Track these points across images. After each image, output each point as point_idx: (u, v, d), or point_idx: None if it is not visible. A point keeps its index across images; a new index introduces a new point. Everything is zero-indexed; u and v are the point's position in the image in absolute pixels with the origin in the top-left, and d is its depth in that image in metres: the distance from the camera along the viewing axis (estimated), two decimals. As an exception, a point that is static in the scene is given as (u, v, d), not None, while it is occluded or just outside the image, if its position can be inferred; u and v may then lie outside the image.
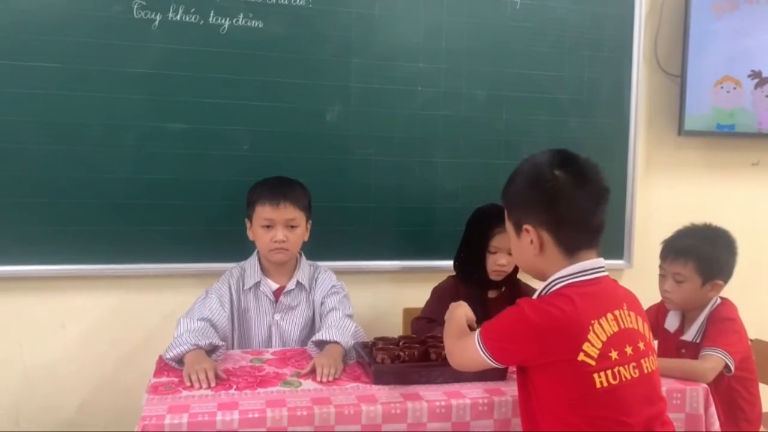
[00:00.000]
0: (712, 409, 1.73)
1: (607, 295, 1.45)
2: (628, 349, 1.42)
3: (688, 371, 1.78)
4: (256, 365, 1.87)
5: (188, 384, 1.67)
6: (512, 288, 2.31)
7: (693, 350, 1.98)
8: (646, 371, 1.44)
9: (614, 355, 1.39)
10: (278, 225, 2.07)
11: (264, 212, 2.07)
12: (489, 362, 1.49)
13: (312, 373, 1.76)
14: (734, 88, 2.87)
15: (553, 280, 1.45)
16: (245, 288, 2.14)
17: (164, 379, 1.74)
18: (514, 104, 2.71)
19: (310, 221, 2.21)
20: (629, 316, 1.45)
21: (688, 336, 2.03)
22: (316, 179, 2.35)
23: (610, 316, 1.41)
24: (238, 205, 2.27)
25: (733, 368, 1.85)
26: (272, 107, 2.46)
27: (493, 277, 2.25)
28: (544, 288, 1.48)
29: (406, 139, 2.60)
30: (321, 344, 1.94)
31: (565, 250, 1.45)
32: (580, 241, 1.46)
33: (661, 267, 2.09)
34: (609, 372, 1.38)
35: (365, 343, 1.93)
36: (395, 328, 2.56)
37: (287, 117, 2.47)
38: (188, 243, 2.42)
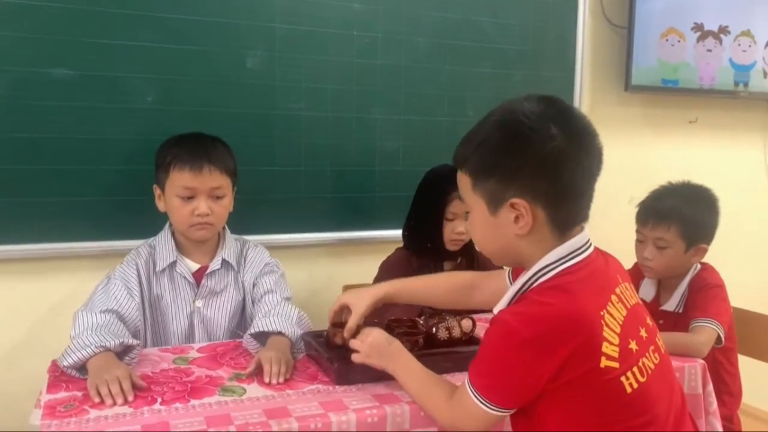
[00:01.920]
0: (710, 386, 1.56)
1: (602, 273, 1.15)
2: (642, 332, 1.15)
3: (681, 346, 1.59)
4: (182, 367, 1.50)
5: (96, 400, 1.28)
6: (469, 259, 2.05)
7: (673, 321, 1.81)
8: (663, 351, 1.20)
9: (633, 345, 1.10)
10: (200, 195, 1.69)
11: (182, 179, 1.67)
12: (498, 414, 1.12)
13: (257, 372, 1.42)
14: (678, 41, 2.74)
15: (538, 271, 1.12)
16: (157, 270, 1.74)
17: (62, 394, 1.33)
18: (458, 54, 2.43)
19: (235, 188, 1.84)
20: (628, 289, 1.19)
21: (669, 306, 1.85)
22: (236, 138, 1.92)
23: (614, 297, 1.12)
24: (143, 170, 1.87)
25: (723, 339, 1.70)
26: (181, 51, 2.03)
27: (450, 246, 1.99)
28: (526, 283, 1.13)
29: (341, 91, 2.27)
30: (260, 336, 1.59)
31: (558, 228, 1.13)
32: (576, 216, 1.15)
33: (639, 232, 1.90)
34: (636, 369, 1.09)
35: (317, 332, 1.60)
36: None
37: (200, 63, 2.06)
38: (80, 217, 1.97)
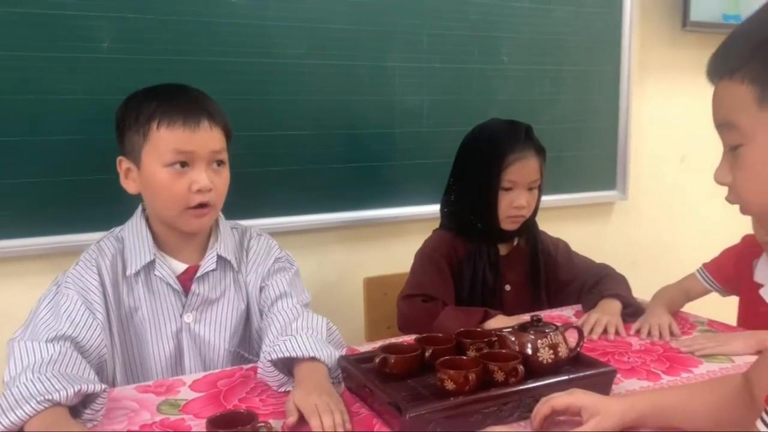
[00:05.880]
0: None
1: None
2: None
3: None
4: (171, 418, 1.03)
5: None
6: (531, 240, 1.61)
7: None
8: None
9: None
10: (199, 162, 1.20)
11: (173, 140, 1.18)
12: None
13: (299, 424, 0.98)
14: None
15: None
16: (128, 273, 1.26)
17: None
18: (490, -18, 1.97)
19: (227, 159, 1.36)
20: None
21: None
22: (219, 95, 1.34)
23: None
24: (99, 139, 1.39)
25: None
26: (144, -21, 1.54)
27: (507, 225, 1.54)
28: None
29: (350, 32, 1.80)
30: (284, 363, 1.14)
31: None
32: None
33: None
34: None
35: (361, 355, 1.15)
36: (353, 308, 1.79)
37: (169, -4, 1.57)
38: (17, 205, 1.48)
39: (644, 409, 0.93)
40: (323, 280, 1.85)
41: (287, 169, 1.76)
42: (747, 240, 1.55)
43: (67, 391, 0.97)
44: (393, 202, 1.90)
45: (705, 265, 1.61)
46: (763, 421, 0.71)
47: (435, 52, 1.92)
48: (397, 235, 1.89)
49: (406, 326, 1.48)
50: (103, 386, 1.03)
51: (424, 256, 1.57)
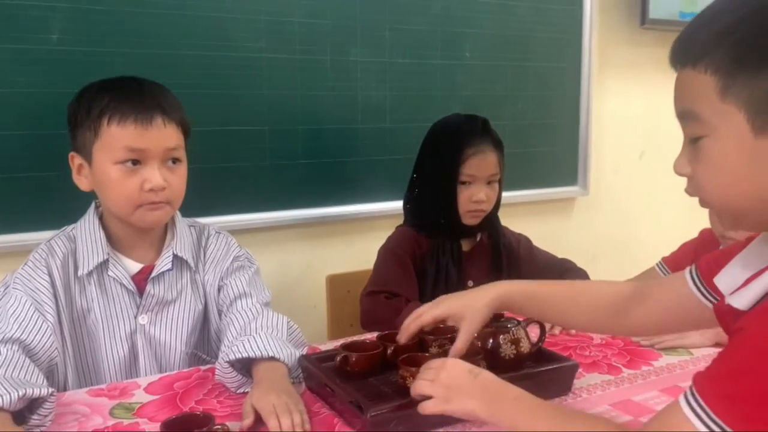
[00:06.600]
0: None
1: None
2: None
3: None
4: (125, 422, 1.00)
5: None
6: (493, 235, 1.61)
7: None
8: None
9: None
10: (151, 160, 1.16)
11: (125, 137, 1.14)
12: None
13: (256, 426, 0.95)
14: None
15: None
16: (81, 273, 1.21)
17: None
18: (453, -20, 1.96)
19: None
20: None
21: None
22: (175, 89, 1.28)
23: None
24: (50, 135, 1.37)
25: None
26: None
27: (468, 219, 1.54)
28: None
29: (311, 26, 1.77)
30: (240, 362, 1.11)
31: None
32: None
33: None
34: None
35: (322, 354, 1.13)
36: (316, 306, 1.77)
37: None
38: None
39: (512, 293, 1.00)
40: (285, 278, 1.82)
41: (247, 165, 1.73)
42: (705, 234, 1.57)
43: (10, 396, 0.93)
44: (355, 198, 1.88)
45: (664, 258, 1.63)
46: (686, 400, 0.67)
47: (397, 47, 1.90)
48: (360, 231, 1.88)
49: (370, 323, 1.46)
50: (50, 390, 0.99)
51: (387, 253, 1.55)
